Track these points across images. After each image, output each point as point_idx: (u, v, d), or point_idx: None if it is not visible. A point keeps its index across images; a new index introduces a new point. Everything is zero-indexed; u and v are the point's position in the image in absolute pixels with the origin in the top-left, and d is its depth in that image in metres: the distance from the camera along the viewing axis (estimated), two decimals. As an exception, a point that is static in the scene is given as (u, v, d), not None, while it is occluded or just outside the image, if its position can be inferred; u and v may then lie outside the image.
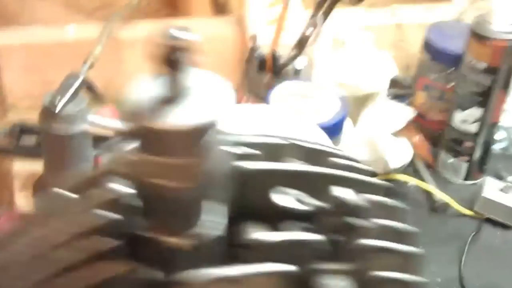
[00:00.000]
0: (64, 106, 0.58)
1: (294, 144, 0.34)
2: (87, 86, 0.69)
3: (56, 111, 0.58)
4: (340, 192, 0.30)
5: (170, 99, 0.27)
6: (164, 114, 0.27)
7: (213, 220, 0.30)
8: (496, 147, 0.91)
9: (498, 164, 0.88)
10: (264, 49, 0.84)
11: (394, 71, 0.84)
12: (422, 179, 0.85)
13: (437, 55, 0.87)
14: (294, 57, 0.81)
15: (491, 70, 0.76)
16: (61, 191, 0.31)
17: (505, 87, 0.77)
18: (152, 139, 0.27)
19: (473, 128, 0.82)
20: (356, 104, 0.82)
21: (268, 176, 0.32)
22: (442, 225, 0.81)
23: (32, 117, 0.66)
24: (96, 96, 0.76)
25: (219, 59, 0.96)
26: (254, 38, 0.86)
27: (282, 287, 0.26)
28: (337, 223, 0.30)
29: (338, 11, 0.80)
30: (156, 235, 0.29)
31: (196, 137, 0.27)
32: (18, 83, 0.91)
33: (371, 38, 0.84)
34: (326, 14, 0.78)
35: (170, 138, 0.27)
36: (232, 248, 0.31)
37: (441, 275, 0.73)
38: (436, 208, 0.82)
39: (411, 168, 0.88)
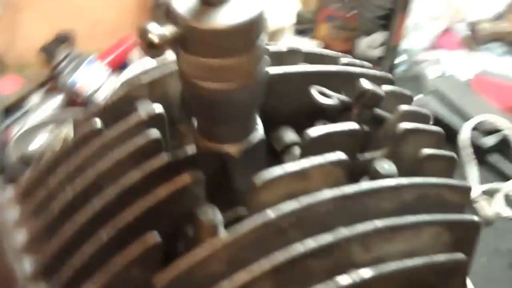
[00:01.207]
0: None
1: (292, 49, 0.35)
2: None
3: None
4: (366, 84, 0.31)
5: (210, 2, 0.26)
6: (209, 15, 0.25)
7: (256, 124, 0.30)
8: (398, 70, 0.95)
9: (402, 86, 0.91)
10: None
11: (297, 7, 0.85)
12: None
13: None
14: None
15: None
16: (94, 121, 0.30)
17: (404, 9, 0.80)
18: (202, 41, 0.26)
19: (378, 52, 0.84)
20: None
21: (290, 80, 0.31)
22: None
23: None
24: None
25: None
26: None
27: (339, 176, 0.26)
28: (363, 114, 0.31)
29: None
30: (212, 145, 0.29)
31: (247, 35, 0.26)
32: None
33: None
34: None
35: (222, 37, 0.25)
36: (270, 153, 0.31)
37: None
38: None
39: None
